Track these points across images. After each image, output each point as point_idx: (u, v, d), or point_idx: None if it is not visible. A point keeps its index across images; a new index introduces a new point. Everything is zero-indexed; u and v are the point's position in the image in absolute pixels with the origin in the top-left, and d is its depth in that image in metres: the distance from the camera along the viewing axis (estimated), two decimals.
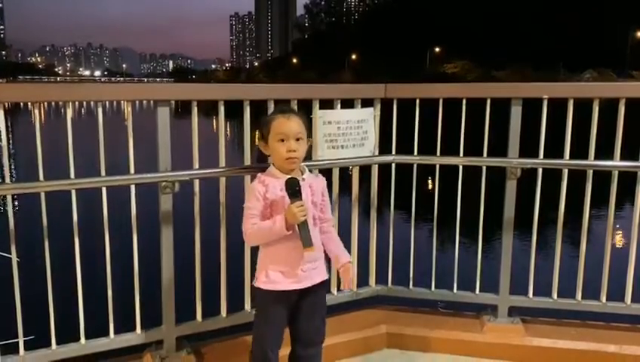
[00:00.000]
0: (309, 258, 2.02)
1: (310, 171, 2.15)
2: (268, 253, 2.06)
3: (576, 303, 2.91)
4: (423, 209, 3.07)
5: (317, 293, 2.13)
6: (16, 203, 2.34)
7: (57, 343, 2.37)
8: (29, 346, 2.31)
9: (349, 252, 2.95)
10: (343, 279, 2.11)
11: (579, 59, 65.20)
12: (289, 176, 1.98)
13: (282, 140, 2.01)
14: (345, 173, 2.89)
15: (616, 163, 2.74)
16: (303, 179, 2.05)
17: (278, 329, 2.11)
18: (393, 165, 2.95)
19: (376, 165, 2.95)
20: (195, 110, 2.51)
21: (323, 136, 2.70)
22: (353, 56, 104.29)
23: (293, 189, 1.93)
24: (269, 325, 2.09)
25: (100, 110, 2.34)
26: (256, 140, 2.15)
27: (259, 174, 2.09)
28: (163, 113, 2.42)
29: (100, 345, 2.46)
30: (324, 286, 2.20)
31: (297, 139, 2.02)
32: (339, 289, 2.99)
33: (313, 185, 2.08)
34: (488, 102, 2.83)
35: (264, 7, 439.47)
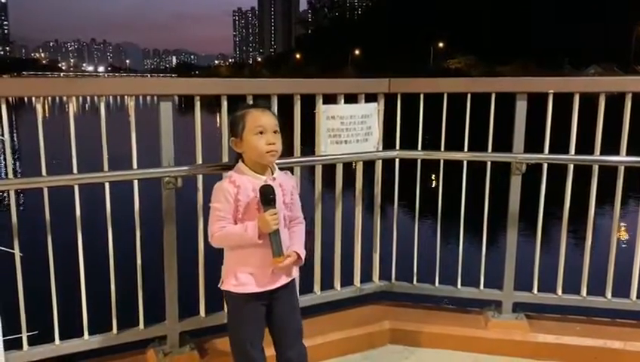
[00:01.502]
0: (277, 267, 1.95)
1: (279, 169, 2.05)
2: (236, 255, 1.97)
3: (581, 299, 2.90)
4: (426, 204, 3.06)
5: (289, 290, 2.06)
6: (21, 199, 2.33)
7: (61, 338, 2.37)
8: (32, 341, 2.31)
9: (353, 247, 2.97)
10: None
11: (583, 54, 64.91)
12: (263, 184, 1.89)
13: (261, 133, 1.91)
14: (348, 168, 2.87)
15: (622, 158, 2.72)
16: (274, 178, 1.97)
17: (256, 327, 2.03)
18: (397, 160, 2.94)
19: (380, 160, 2.93)
20: (198, 105, 2.50)
21: (326, 131, 2.69)
22: (356, 52, 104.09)
23: (268, 197, 1.86)
24: (246, 325, 2.02)
25: (102, 105, 2.33)
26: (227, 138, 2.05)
27: (229, 173, 2.00)
28: (166, 108, 2.41)
29: (104, 340, 2.46)
30: (295, 283, 2.12)
31: (275, 132, 1.94)
32: (342, 285, 2.98)
33: (283, 184, 1.99)
34: (493, 96, 2.81)
35: (267, 3, 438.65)
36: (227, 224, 1.92)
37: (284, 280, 2.02)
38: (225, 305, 2.61)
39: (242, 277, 1.96)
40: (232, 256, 2.00)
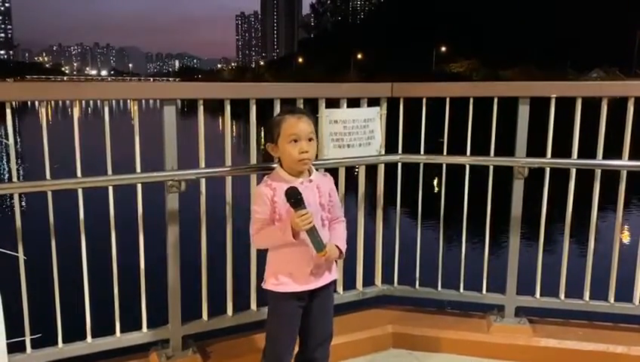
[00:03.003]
0: (321, 261, 2.00)
1: (317, 170, 2.12)
2: (277, 255, 2.03)
3: (584, 304, 2.90)
4: (429, 208, 3.06)
5: (327, 293, 2.12)
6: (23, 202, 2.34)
7: (64, 341, 2.38)
8: (35, 344, 2.32)
9: (355, 251, 2.97)
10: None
11: (586, 58, 64.87)
12: (288, 186, 1.92)
13: (295, 141, 1.96)
14: (351, 172, 2.88)
15: (625, 162, 2.72)
16: (311, 181, 2.01)
17: (292, 330, 2.09)
18: (399, 164, 2.94)
19: (383, 164, 2.94)
20: (201, 109, 2.51)
21: (329, 135, 2.69)
22: (359, 56, 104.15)
23: (295, 198, 1.88)
24: (283, 326, 2.07)
25: (106, 109, 2.34)
26: (262, 142, 2.10)
27: (265, 177, 2.05)
28: (169, 112, 2.42)
29: (107, 343, 2.46)
30: (333, 285, 2.19)
31: (309, 140, 1.98)
32: (345, 289, 2.99)
33: (320, 186, 2.04)
34: (495, 101, 2.82)
35: (270, 7, 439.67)
36: (266, 225, 1.97)
37: (323, 281, 2.06)
38: (229, 310, 2.63)
39: (282, 277, 2.02)
40: (273, 256, 2.05)
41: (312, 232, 1.91)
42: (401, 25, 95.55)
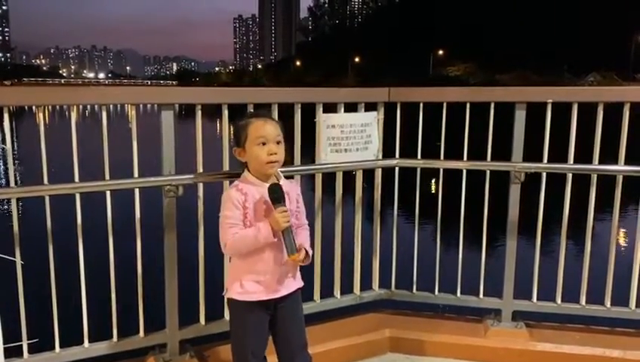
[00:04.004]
0: (289, 268, 1.97)
1: (283, 176, 2.05)
2: (243, 262, 1.97)
3: (581, 308, 2.90)
4: (426, 212, 3.07)
5: (294, 301, 2.06)
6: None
7: (61, 346, 2.37)
8: (32, 349, 2.31)
9: (353, 255, 2.97)
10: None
11: (582, 62, 65.07)
12: (272, 183, 1.92)
13: (263, 143, 1.92)
14: (348, 176, 2.88)
15: (621, 167, 2.73)
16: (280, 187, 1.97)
17: (259, 337, 2.03)
18: (397, 169, 2.95)
19: (380, 169, 2.94)
20: (199, 113, 2.51)
21: (326, 140, 2.70)
22: (357, 59, 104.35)
23: (277, 194, 1.88)
24: (248, 336, 2.01)
25: (104, 113, 2.34)
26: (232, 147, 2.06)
27: (235, 182, 2.01)
28: (167, 116, 2.43)
29: (104, 348, 2.46)
30: (299, 294, 2.12)
31: (277, 142, 1.95)
32: (342, 293, 2.99)
33: (289, 192, 1.99)
34: (492, 106, 2.83)
35: (268, 10, 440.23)
36: (239, 230, 1.92)
37: (290, 289, 2.02)
38: (227, 314, 2.63)
39: (248, 285, 1.97)
40: (239, 263, 2.00)
41: (288, 232, 1.89)
42: (398, 29, 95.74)
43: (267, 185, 1.94)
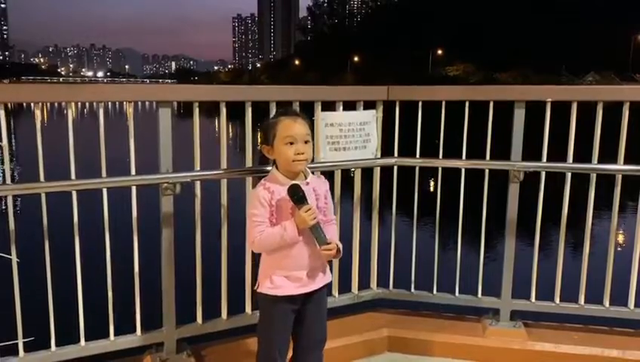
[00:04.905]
0: (318, 263, 2.01)
1: (312, 173, 2.10)
2: (272, 258, 2.00)
3: (579, 307, 2.90)
4: (425, 211, 3.06)
5: (321, 296, 2.11)
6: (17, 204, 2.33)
7: (57, 345, 2.36)
8: (28, 348, 2.30)
9: (351, 254, 2.96)
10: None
11: (581, 61, 65.10)
12: (291, 183, 1.93)
13: (291, 143, 1.94)
14: (347, 175, 2.88)
15: (620, 166, 2.73)
16: (307, 183, 2.00)
17: (285, 334, 2.07)
18: (395, 167, 2.94)
19: (378, 167, 2.93)
20: (196, 111, 2.50)
21: (325, 138, 2.69)
22: (355, 58, 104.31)
23: (298, 195, 1.90)
24: (276, 331, 2.05)
25: (101, 111, 2.33)
26: (259, 144, 2.09)
27: (262, 180, 2.03)
28: (165, 114, 2.42)
29: (100, 346, 2.45)
30: (327, 288, 2.17)
31: (305, 142, 1.97)
32: (340, 292, 2.98)
33: (317, 189, 2.03)
34: (491, 104, 2.82)
35: (267, 9, 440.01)
36: (266, 228, 1.95)
37: (318, 284, 2.05)
38: (224, 313, 2.61)
39: (277, 280, 2.00)
40: (268, 259, 2.03)
41: (317, 227, 1.92)
42: (397, 28, 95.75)
43: (294, 182, 1.96)
